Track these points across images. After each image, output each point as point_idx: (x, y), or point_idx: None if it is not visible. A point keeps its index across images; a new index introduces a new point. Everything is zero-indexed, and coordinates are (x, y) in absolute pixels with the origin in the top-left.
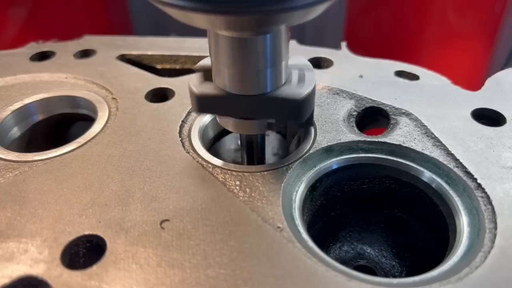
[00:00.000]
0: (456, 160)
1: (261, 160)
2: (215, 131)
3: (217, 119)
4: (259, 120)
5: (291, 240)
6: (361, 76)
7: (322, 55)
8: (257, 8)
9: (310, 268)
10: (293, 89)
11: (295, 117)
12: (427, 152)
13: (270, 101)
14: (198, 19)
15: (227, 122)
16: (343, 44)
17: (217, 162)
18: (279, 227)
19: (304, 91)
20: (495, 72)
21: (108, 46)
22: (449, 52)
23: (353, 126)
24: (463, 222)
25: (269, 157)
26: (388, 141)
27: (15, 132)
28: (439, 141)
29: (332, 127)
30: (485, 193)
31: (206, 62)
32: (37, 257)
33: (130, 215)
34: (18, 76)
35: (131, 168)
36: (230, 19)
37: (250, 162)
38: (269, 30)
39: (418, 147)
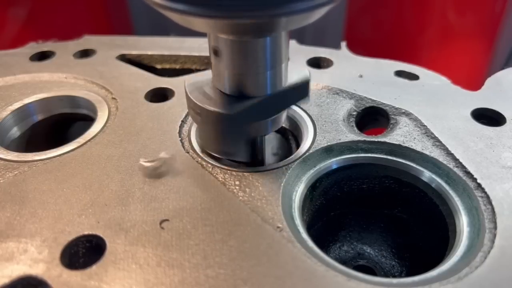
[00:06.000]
0: (456, 160)
1: (261, 162)
2: None
3: None
4: (259, 122)
5: (290, 240)
6: (361, 76)
7: (322, 55)
8: (257, 13)
9: (309, 268)
10: None
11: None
12: (427, 152)
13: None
14: (198, 23)
15: None
16: (343, 44)
17: (217, 162)
18: (278, 227)
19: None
20: (495, 72)
21: (108, 46)
22: (449, 52)
23: (353, 126)
24: (463, 222)
25: (269, 157)
26: (388, 141)
27: (15, 132)
28: (439, 141)
29: (332, 127)
30: (485, 193)
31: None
32: (36, 257)
33: (130, 215)
34: (18, 76)
35: (130, 168)
36: (229, 23)
37: (250, 165)
38: (269, 33)
39: (418, 147)
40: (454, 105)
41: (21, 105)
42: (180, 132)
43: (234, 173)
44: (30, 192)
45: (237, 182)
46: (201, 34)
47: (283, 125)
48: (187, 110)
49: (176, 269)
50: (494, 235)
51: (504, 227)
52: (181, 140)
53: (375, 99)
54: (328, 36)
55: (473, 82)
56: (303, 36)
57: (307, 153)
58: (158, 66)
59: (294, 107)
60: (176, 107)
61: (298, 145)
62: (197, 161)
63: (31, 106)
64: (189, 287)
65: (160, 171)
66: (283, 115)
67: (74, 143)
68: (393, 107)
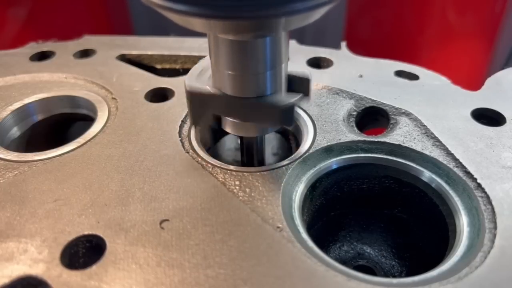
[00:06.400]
0: (456, 160)
1: (261, 163)
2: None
3: None
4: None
5: (290, 240)
6: (361, 76)
7: (322, 55)
8: (256, 13)
9: (309, 268)
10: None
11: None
12: (427, 152)
13: (259, 106)
14: (198, 23)
15: (226, 124)
16: (343, 44)
17: (217, 162)
18: (278, 227)
19: (290, 99)
20: (495, 72)
21: (108, 46)
22: (449, 52)
23: (353, 126)
24: (463, 222)
25: (269, 157)
26: (388, 141)
27: (15, 132)
28: (439, 141)
29: (332, 127)
30: (485, 193)
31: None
32: (36, 257)
33: (130, 215)
34: (18, 76)
35: (130, 168)
36: (229, 23)
37: (250, 165)
38: (269, 33)
39: (418, 147)
40: (454, 105)
41: (21, 105)
42: (180, 132)
43: (234, 173)
44: (30, 192)
45: (237, 182)
46: (201, 34)
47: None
48: (187, 110)
49: (176, 269)
50: (494, 235)
51: (504, 227)
52: (181, 140)
53: (375, 99)
54: (328, 36)
55: (473, 82)
56: (303, 36)
57: (307, 153)
58: (158, 66)
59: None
60: (176, 107)
61: (298, 145)
62: (197, 161)
63: (31, 106)
64: (189, 287)
65: None
66: None
67: (74, 143)
68: (393, 107)
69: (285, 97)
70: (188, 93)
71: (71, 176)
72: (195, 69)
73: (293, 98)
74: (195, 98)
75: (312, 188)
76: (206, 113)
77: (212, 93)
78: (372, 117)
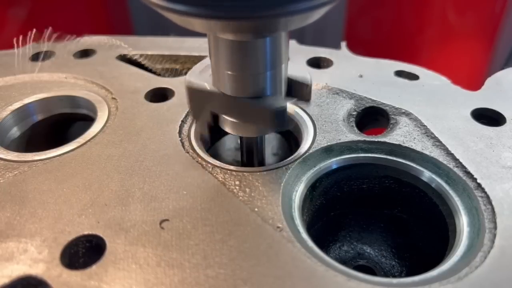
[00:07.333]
0: (456, 160)
1: (261, 163)
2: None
3: None
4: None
5: (290, 240)
6: (361, 76)
7: (322, 55)
8: (257, 14)
9: (309, 268)
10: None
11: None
12: (427, 152)
13: (253, 107)
14: (198, 24)
15: (226, 124)
16: (343, 44)
17: (217, 162)
18: (278, 227)
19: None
20: (495, 72)
21: (108, 46)
22: (449, 52)
23: (352, 126)
24: (463, 222)
25: (269, 157)
26: (388, 141)
27: (15, 132)
28: (439, 141)
29: (332, 127)
30: (485, 193)
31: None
32: (36, 257)
33: (130, 215)
34: (18, 76)
35: (130, 168)
36: (229, 23)
37: (250, 165)
38: (269, 34)
39: (418, 147)
40: (454, 105)
41: (21, 105)
42: (180, 132)
43: (234, 173)
44: (30, 192)
45: (237, 182)
46: (201, 34)
47: None
48: (187, 110)
49: (176, 269)
50: (494, 235)
51: (504, 227)
52: (181, 140)
53: (375, 99)
54: (328, 36)
55: (473, 82)
56: (303, 36)
57: (307, 153)
58: (158, 66)
59: (294, 107)
60: (176, 107)
61: (298, 145)
62: (197, 161)
63: (31, 106)
64: (189, 287)
65: None
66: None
67: (74, 143)
68: (393, 107)
69: (280, 100)
70: (187, 88)
71: (71, 176)
72: (197, 66)
73: (286, 102)
74: (194, 94)
75: (312, 188)
76: (205, 109)
77: (209, 90)
78: (372, 117)
